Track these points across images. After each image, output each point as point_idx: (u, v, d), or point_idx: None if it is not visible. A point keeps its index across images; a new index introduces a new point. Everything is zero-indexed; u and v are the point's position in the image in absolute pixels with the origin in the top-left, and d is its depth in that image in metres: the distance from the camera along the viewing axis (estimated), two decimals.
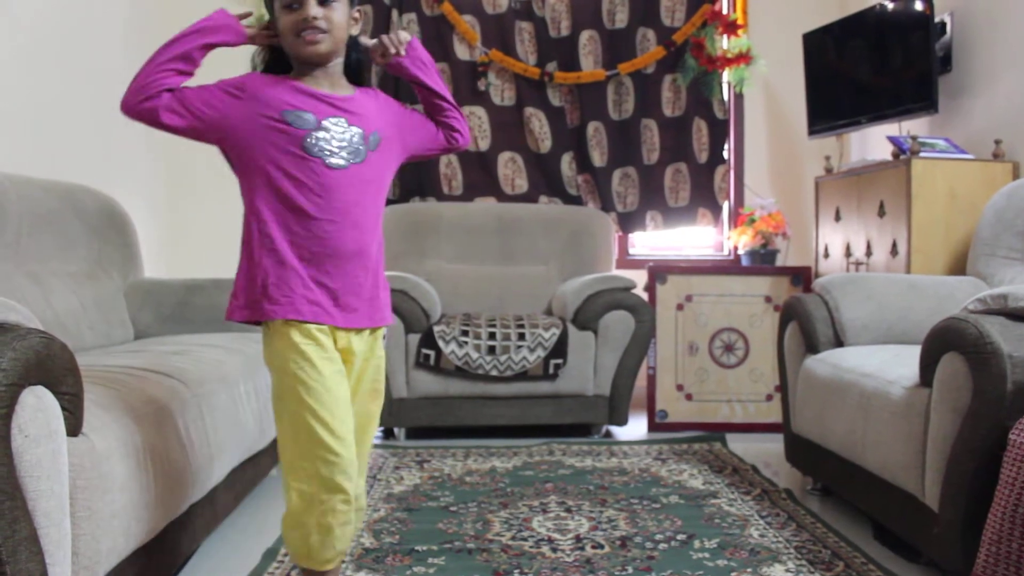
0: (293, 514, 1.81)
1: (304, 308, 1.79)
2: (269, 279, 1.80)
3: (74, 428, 1.55)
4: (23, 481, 1.38)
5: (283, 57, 1.93)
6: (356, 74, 1.99)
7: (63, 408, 1.50)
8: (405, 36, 2.02)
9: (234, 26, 1.94)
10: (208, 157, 5.04)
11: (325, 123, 1.84)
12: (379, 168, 1.93)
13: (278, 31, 1.89)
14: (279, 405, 1.83)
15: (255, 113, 1.85)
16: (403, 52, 1.99)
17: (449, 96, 2.11)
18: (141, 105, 1.78)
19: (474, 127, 4.85)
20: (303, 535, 1.81)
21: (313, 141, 1.82)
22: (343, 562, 2.23)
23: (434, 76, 2.07)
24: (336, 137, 1.84)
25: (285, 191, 1.82)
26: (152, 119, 1.79)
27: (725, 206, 5.03)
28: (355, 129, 1.87)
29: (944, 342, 2.13)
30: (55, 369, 1.48)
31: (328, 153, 1.83)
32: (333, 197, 1.83)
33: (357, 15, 1.95)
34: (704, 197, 4.96)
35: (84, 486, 1.55)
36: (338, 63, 1.93)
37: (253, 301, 1.83)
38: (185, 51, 1.83)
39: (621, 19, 4.91)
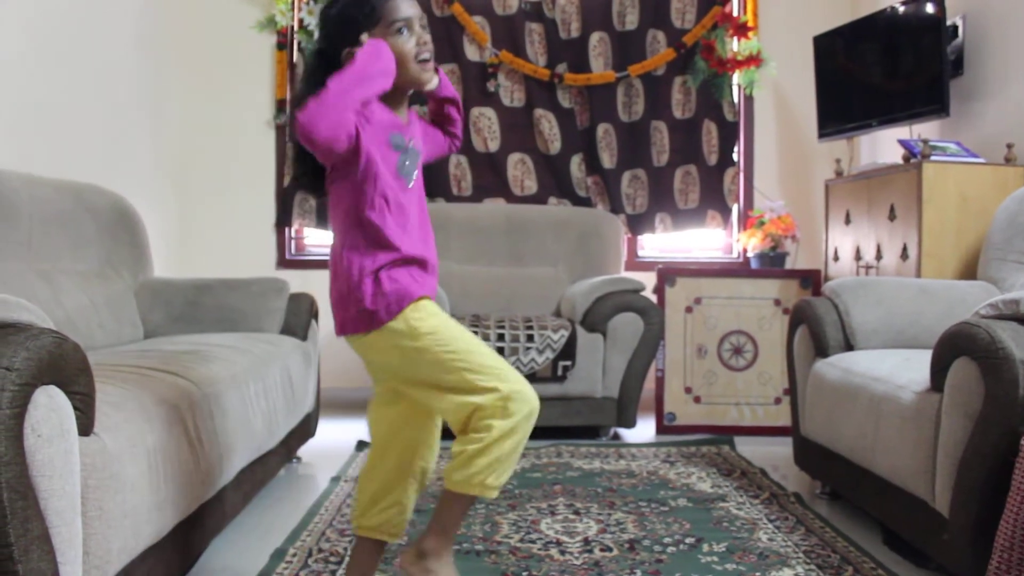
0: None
1: (415, 290, 1.86)
2: (384, 285, 1.85)
3: (86, 428, 1.56)
4: (35, 480, 1.38)
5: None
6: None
7: (75, 408, 1.51)
8: None
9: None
10: (217, 160, 5.08)
11: (410, 146, 1.91)
12: (422, 184, 2.01)
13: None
14: (447, 367, 1.84)
15: (374, 135, 1.83)
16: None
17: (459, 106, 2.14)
18: (333, 137, 1.72)
19: (484, 128, 4.86)
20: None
21: (403, 163, 1.89)
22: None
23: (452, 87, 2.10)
24: (412, 159, 1.92)
25: (390, 208, 1.86)
26: (331, 148, 1.75)
27: (735, 208, 5.02)
28: (417, 152, 1.95)
29: (955, 347, 2.12)
30: (67, 369, 1.48)
31: (407, 175, 1.90)
32: (410, 214, 1.90)
33: None
34: (714, 199, 4.95)
35: (96, 485, 1.56)
36: None
37: (381, 309, 1.85)
38: (371, 96, 1.79)
39: (631, 21, 4.91)
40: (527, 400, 1.84)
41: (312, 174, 1.94)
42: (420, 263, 1.91)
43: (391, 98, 1.88)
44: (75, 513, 1.48)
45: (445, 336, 1.85)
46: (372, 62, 1.77)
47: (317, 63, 1.88)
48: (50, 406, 1.42)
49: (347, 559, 2.31)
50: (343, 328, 1.94)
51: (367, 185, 1.83)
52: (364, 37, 1.83)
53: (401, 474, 2.02)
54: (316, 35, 1.96)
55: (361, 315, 1.87)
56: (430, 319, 1.86)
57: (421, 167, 1.99)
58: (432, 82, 1.98)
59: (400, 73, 1.84)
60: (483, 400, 1.81)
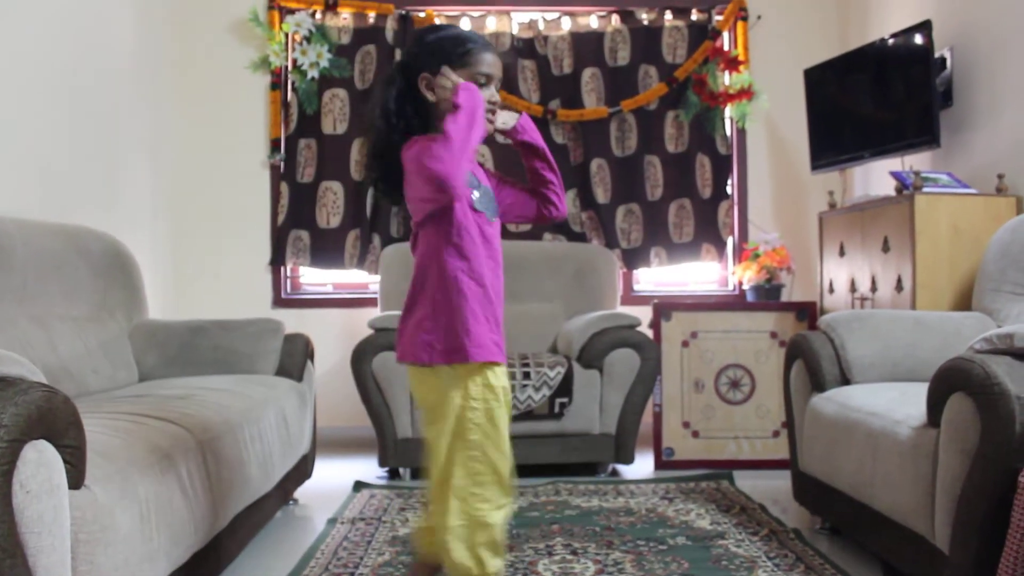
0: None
1: (495, 351, 1.94)
2: (464, 324, 1.91)
3: (76, 481, 1.55)
4: (24, 537, 1.37)
5: (420, 110, 1.99)
6: None
7: (65, 461, 1.50)
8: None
9: None
10: (211, 200, 5.10)
11: (482, 184, 2.01)
12: (499, 232, 2.07)
13: (438, 95, 1.94)
14: (468, 440, 1.93)
15: None
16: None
17: (556, 169, 2.18)
18: (463, 182, 1.84)
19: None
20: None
21: (478, 198, 1.97)
22: None
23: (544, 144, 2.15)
24: (486, 195, 2.01)
25: (472, 241, 1.94)
26: (458, 192, 1.86)
27: (729, 241, 5.03)
28: (489, 189, 2.05)
29: (951, 383, 2.11)
30: (57, 423, 1.47)
31: (486, 208, 1.99)
32: (493, 248, 1.99)
33: None
34: (708, 232, 4.96)
35: (86, 539, 1.54)
36: None
37: (450, 346, 1.92)
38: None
39: (623, 56, 4.95)
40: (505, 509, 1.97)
41: (386, 180, 2.03)
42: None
43: None
44: (65, 568, 1.47)
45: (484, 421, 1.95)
46: (482, 111, 1.89)
47: (397, 76, 2.00)
48: (39, 461, 1.41)
49: None
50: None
51: (448, 218, 1.92)
52: (446, 69, 1.93)
53: None
54: (406, 51, 2.06)
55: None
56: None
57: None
58: (505, 121, 2.06)
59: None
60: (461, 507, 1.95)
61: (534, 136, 2.11)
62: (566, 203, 2.22)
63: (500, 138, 2.13)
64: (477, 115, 1.86)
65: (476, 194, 1.97)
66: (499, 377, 1.95)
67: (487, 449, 1.93)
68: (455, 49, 1.96)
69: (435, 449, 2.00)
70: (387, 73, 2.07)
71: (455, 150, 1.78)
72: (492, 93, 1.98)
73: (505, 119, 2.06)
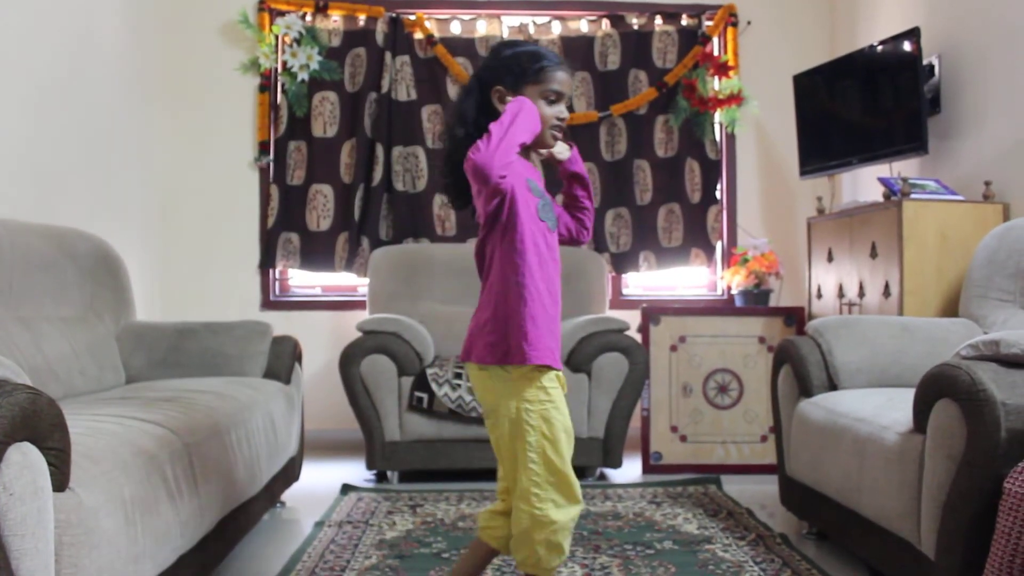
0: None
1: (549, 356, 2.02)
2: (523, 327, 2.00)
3: (61, 483, 1.54)
4: (7, 540, 1.36)
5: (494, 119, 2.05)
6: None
7: (50, 464, 1.49)
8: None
9: None
10: (201, 203, 5.10)
11: (545, 195, 2.11)
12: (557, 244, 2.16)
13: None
14: (525, 442, 2.02)
15: (518, 177, 2.03)
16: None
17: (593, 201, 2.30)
18: (503, 176, 1.92)
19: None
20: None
21: (542, 206, 2.07)
22: None
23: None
24: (548, 206, 2.10)
25: (535, 248, 2.03)
26: (499, 187, 1.96)
27: (718, 246, 5.04)
28: (551, 201, 2.14)
29: (937, 389, 2.12)
30: (41, 425, 1.46)
31: (548, 218, 2.09)
32: (554, 257, 2.09)
33: None
34: (697, 237, 4.97)
35: (70, 542, 1.53)
36: None
37: (508, 348, 2.01)
38: (520, 145, 1.99)
39: (613, 61, 4.96)
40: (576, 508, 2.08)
41: (456, 185, 2.13)
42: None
43: (524, 154, 2.11)
44: (48, 571, 1.45)
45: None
46: (529, 117, 1.98)
47: (474, 87, 2.12)
48: (23, 463, 1.40)
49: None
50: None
51: (512, 225, 2.02)
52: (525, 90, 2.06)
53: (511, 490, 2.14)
54: (482, 63, 2.18)
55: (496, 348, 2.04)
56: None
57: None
58: (561, 151, 2.17)
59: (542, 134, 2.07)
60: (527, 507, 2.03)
61: (582, 168, 2.23)
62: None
63: (554, 150, 2.21)
64: (519, 117, 1.95)
65: (541, 203, 2.07)
66: (554, 381, 2.04)
67: (545, 450, 2.00)
68: (530, 65, 2.07)
69: (497, 451, 2.12)
70: (467, 83, 2.19)
71: (492, 141, 1.89)
72: (561, 110, 2.09)
73: (561, 150, 2.17)
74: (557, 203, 2.25)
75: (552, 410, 2.02)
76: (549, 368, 2.02)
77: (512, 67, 2.08)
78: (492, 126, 1.92)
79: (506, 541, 2.15)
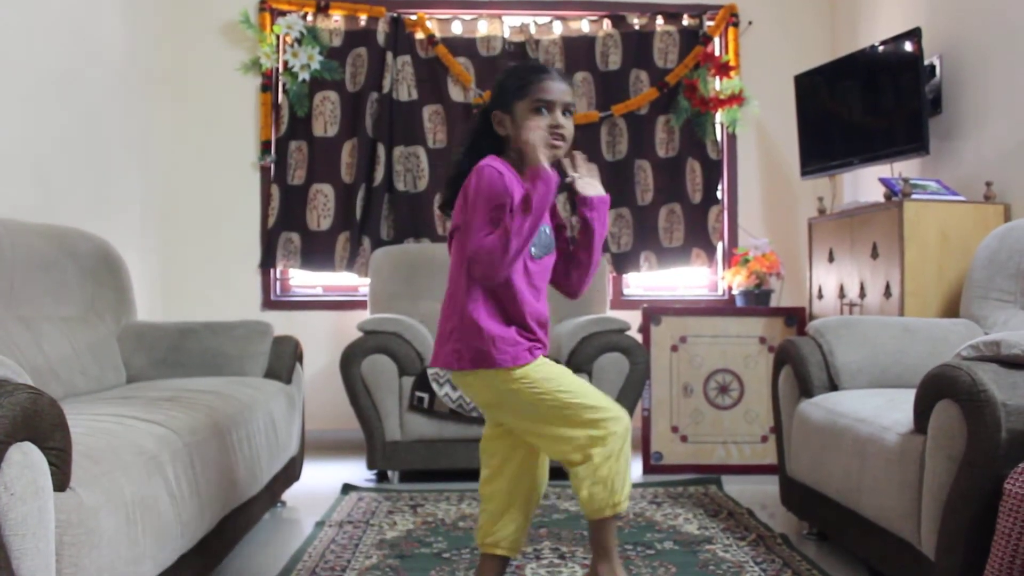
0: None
1: (524, 354, 2.09)
2: (488, 333, 2.08)
3: (61, 483, 1.54)
4: (8, 540, 1.36)
5: (494, 144, 2.16)
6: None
7: (50, 463, 1.49)
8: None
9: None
10: (202, 202, 5.08)
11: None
12: (550, 263, 2.22)
13: (514, 125, 2.11)
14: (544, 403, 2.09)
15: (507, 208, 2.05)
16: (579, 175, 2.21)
17: (596, 262, 2.29)
18: (506, 276, 2.05)
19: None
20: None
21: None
22: None
23: (603, 233, 2.26)
24: (543, 233, 2.14)
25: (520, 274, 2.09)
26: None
27: (719, 246, 5.04)
28: (546, 226, 2.16)
29: (938, 389, 2.12)
30: (42, 425, 1.46)
31: (534, 243, 2.09)
32: (530, 281, 2.11)
33: None
34: (698, 237, 4.97)
35: (71, 542, 1.53)
36: None
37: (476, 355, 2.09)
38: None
39: (614, 61, 4.96)
40: (618, 420, 2.08)
41: (452, 201, 2.18)
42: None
43: (521, 165, 2.10)
44: (49, 571, 1.46)
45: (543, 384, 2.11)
46: (546, 207, 2.00)
47: (479, 117, 2.19)
48: (24, 463, 1.40)
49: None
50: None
51: None
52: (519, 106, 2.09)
53: (513, 496, 2.24)
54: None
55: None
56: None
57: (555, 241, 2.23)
58: (550, 158, 2.08)
59: (533, 143, 2.03)
60: (577, 433, 2.06)
61: (599, 222, 2.20)
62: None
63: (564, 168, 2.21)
64: (543, 215, 2.00)
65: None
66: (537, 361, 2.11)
67: (561, 399, 2.07)
68: (512, 84, 2.11)
69: (485, 449, 2.27)
70: (475, 120, 2.24)
71: (506, 254, 1.97)
72: (556, 117, 2.08)
73: (585, 187, 2.16)
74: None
75: (545, 370, 2.10)
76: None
77: (502, 90, 2.14)
78: (512, 225, 1.95)
79: (513, 542, 2.20)
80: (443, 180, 2.26)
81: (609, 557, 2.13)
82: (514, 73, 2.15)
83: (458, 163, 2.17)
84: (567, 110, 2.10)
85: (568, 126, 2.11)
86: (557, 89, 2.09)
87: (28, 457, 1.42)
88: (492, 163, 2.08)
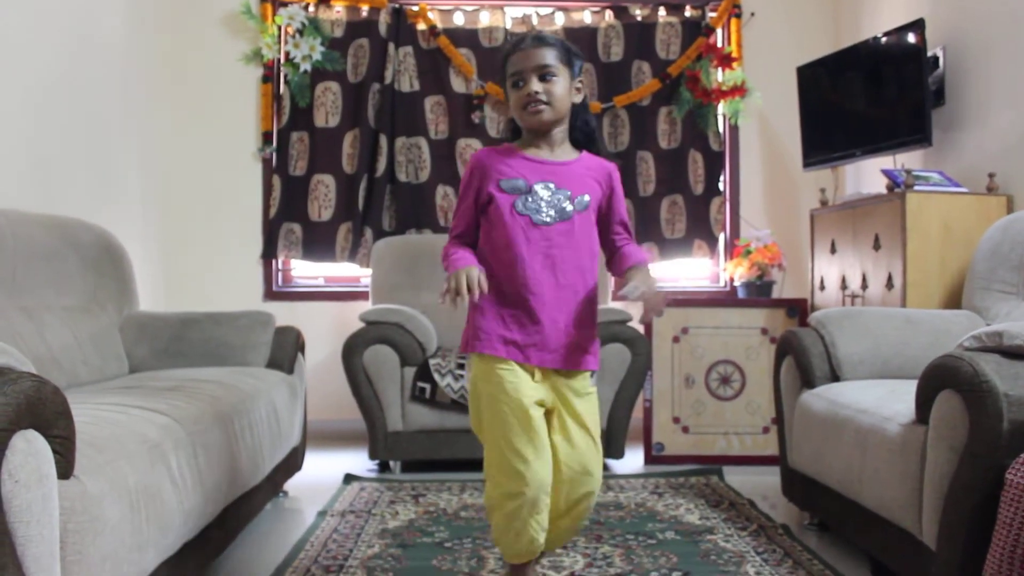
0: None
1: (499, 347, 2.11)
2: (476, 318, 2.16)
3: (65, 471, 1.54)
4: (12, 527, 1.37)
5: (515, 123, 2.23)
6: (586, 139, 2.26)
7: (54, 451, 1.49)
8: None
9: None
10: (203, 193, 5.08)
11: (535, 187, 2.12)
12: (585, 225, 2.18)
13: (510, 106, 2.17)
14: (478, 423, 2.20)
15: (484, 186, 2.16)
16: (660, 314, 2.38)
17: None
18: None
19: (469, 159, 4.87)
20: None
21: (521, 202, 2.11)
22: None
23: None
24: (544, 199, 2.11)
25: (497, 242, 2.13)
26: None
27: (721, 238, 5.04)
28: (563, 192, 2.13)
29: (940, 380, 2.12)
30: (46, 413, 1.47)
31: (535, 211, 2.10)
32: (535, 250, 2.10)
33: (580, 85, 2.19)
34: (700, 229, 4.97)
35: (75, 529, 1.54)
36: (561, 130, 2.19)
37: (467, 337, 2.18)
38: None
39: (616, 52, 4.95)
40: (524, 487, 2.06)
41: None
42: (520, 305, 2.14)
43: (529, 140, 2.19)
44: (53, 559, 1.46)
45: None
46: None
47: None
48: (28, 451, 1.41)
49: None
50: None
51: (487, 217, 2.18)
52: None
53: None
54: None
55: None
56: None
57: (591, 211, 2.21)
58: (534, 125, 2.15)
59: (516, 117, 2.17)
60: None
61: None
62: None
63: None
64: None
65: (522, 199, 2.11)
66: (510, 368, 2.09)
67: (494, 435, 2.08)
68: (501, 65, 2.18)
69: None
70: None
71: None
72: (529, 85, 2.09)
73: (631, 291, 2.14)
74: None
75: (500, 394, 2.08)
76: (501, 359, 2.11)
77: (500, 78, 2.21)
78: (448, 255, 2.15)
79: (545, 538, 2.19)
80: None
81: None
82: (501, 55, 2.19)
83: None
84: (545, 73, 2.09)
85: (551, 88, 2.09)
86: (524, 58, 2.10)
87: (32, 445, 1.42)
88: (483, 150, 2.21)
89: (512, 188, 2.12)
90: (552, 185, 2.13)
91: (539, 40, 2.12)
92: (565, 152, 2.20)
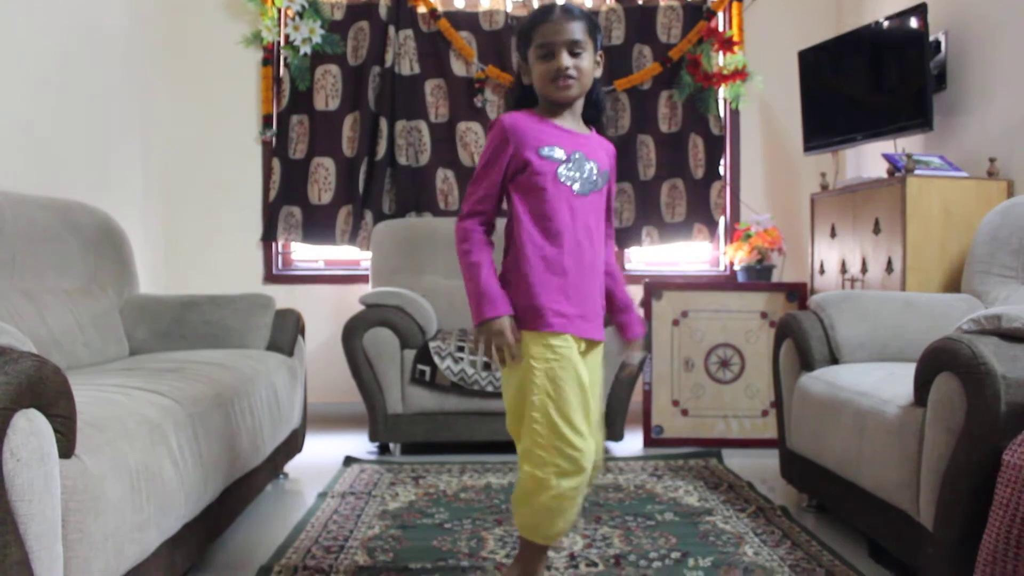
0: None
1: (554, 321, 2.03)
2: (529, 293, 2.04)
3: (67, 450, 1.55)
4: (14, 505, 1.37)
5: (528, 94, 2.16)
6: (597, 115, 2.22)
7: (56, 431, 1.50)
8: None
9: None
10: (203, 176, 5.07)
11: (573, 156, 2.08)
12: (605, 199, 2.18)
13: (530, 76, 2.11)
14: (530, 401, 2.03)
15: (519, 152, 2.06)
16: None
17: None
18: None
19: (471, 143, 4.87)
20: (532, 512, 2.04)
21: (563, 171, 2.06)
22: None
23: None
24: (581, 168, 2.08)
25: (543, 214, 2.05)
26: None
27: (721, 222, 5.04)
28: (592, 163, 2.11)
29: (938, 362, 2.13)
30: (47, 392, 1.47)
31: (573, 182, 2.06)
32: (577, 220, 2.06)
33: (599, 59, 2.15)
34: (700, 213, 4.97)
35: (76, 508, 1.55)
36: (580, 103, 2.16)
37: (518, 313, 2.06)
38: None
39: (617, 36, 4.93)
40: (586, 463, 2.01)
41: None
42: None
43: (550, 110, 2.12)
44: (55, 537, 1.47)
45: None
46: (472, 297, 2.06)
47: (517, 70, 2.20)
48: (30, 430, 1.41)
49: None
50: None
51: (529, 187, 2.07)
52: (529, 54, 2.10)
53: None
54: None
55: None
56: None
57: (606, 187, 2.19)
58: (562, 99, 2.09)
59: (541, 89, 2.09)
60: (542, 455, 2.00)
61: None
62: None
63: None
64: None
65: (564, 167, 2.06)
66: (567, 341, 2.03)
67: (548, 411, 1.98)
68: (523, 33, 2.11)
69: (508, 411, 2.12)
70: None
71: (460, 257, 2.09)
72: (560, 60, 2.04)
73: (634, 358, 2.39)
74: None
75: (559, 370, 2.00)
76: (559, 333, 2.02)
77: (518, 40, 2.15)
78: (465, 274, 2.08)
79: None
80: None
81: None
82: (524, 21, 2.13)
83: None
84: (575, 48, 2.05)
85: (579, 64, 2.05)
86: (554, 31, 2.05)
87: (33, 424, 1.43)
88: (511, 115, 2.09)
89: (551, 156, 2.05)
90: (584, 156, 2.10)
91: (569, 13, 2.07)
92: (581, 126, 2.17)
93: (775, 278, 4.57)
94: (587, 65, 2.07)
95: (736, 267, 4.63)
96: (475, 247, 2.08)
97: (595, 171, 2.11)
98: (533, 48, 2.07)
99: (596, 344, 2.19)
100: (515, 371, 2.05)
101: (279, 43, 4.88)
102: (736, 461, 3.81)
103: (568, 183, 2.05)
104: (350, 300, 4.76)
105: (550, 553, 2.54)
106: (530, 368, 2.01)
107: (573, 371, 2.01)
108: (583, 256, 2.07)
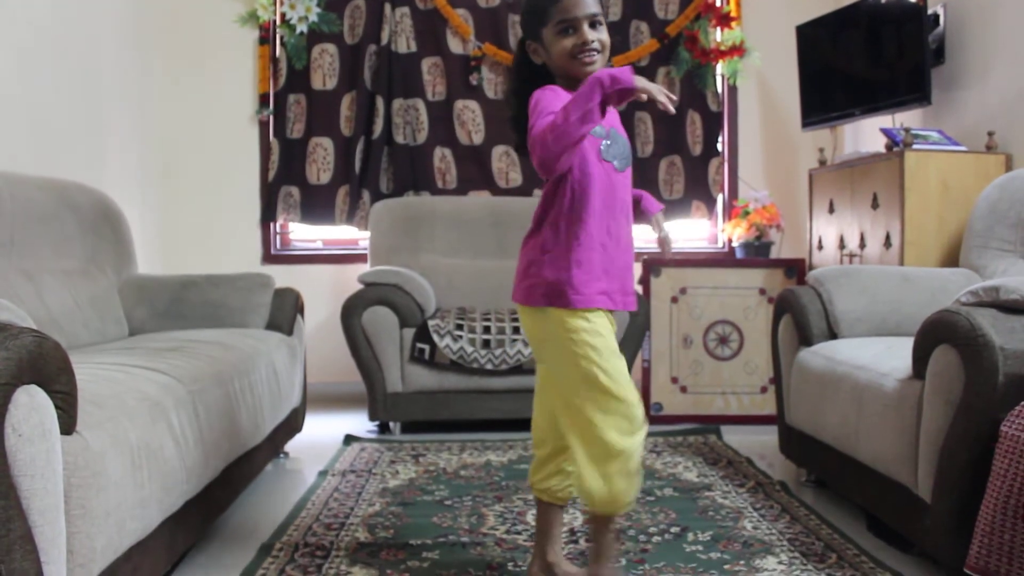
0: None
1: (598, 298, 1.99)
2: (569, 271, 1.98)
3: (68, 426, 1.55)
4: (17, 480, 1.38)
5: (539, 73, 2.06)
6: None
7: (57, 407, 1.50)
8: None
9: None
10: (201, 156, 5.05)
11: (611, 132, 2.02)
12: (630, 181, 2.12)
13: (548, 52, 2.02)
14: (580, 368, 1.97)
15: None
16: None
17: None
18: (568, 165, 1.95)
19: (468, 121, 4.86)
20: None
21: (606, 147, 2.01)
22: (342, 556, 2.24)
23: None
24: (617, 144, 2.03)
25: (587, 192, 1.98)
26: (563, 173, 1.98)
27: (719, 198, 5.03)
28: (624, 138, 2.07)
29: (936, 335, 2.14)
30: (48, 368, 1.48)
31: (614, 156, 2.02)
32: (617, 197, 2.02)
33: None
34: (698, 190, 4.96)
35: (78, 484, 1.55)
36: None
37: (555, 291, 1.99)
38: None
39: (614, 12, 4.91)
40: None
41: (523, 144, 2.05)
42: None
43: (572, 88, 1.97)
44: (58, 512, 1.48)
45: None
46: (594, 97, 1.81)
47: (519, 51, 2.11)
48: (31, 405, 1.42)
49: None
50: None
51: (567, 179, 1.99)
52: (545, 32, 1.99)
53: (554, 441, 2.16)
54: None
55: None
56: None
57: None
58: (586, 75, 1.93)
59: (564, 65, 1.99)
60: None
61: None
62: None
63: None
64: (593, 109, 1.80)
65: (605, 143, 2.00)
66: (598, 315, 2.00)
67: (598, 378, 1.94)
68: (534, 10, 2.02)
69: (544, 386, 2.15)
70: (514, 54, 2.17)
71: (564, 136, 1.81)
72: (583, 34, 1.96)
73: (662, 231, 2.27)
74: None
75: (597, 337, 1.97)
76: (597, 309, 2.00)
77: (527, 19, 2.05)
78: (562, 111, 1.82)
79: (569, 492, 2.14)
80: (508, 123, 2.15)
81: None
82: (535, 1, 2.04)
83: (515, 98, 2.08)
84: (595, 21, 1.98)
85: (600, 37, 1.98)
86: (575, 5, 1.97)
87: (35, 399, 1.43)
88: (551, 87, 1.99)
89: (595, 132, 1.98)
90: (616, 132, 2.05)
91: None
92: None
93: (773, 254, 4.58)
94: (607, 38, 2.02)
95: (734, 243, 4.63)
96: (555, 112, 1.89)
97: (627, 146, 2.08)
98: (552, 24, 1.98)
99: (614, 315, 2.15)
100: (553, 346, 2.02)
101: (275, 21, 4.85)
102: (735, 437, 3.83)
103: (610, 159, 2.01)
104: (349, 279, 4.76)
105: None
106: (573, 342, 1.96)
107: (612, 346, 2.00)
108: (621, 232, 2.04)
